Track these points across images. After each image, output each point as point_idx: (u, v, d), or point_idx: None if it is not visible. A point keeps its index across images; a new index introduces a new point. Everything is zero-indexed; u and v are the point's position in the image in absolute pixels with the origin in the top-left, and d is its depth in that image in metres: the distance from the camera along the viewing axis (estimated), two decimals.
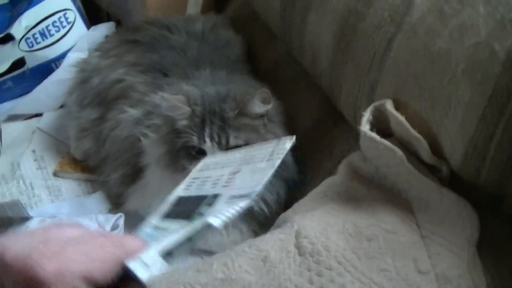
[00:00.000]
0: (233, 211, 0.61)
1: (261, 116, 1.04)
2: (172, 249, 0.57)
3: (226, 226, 1.07)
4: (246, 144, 1.02)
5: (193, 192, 0.71)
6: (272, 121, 1.08)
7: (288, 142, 0.67)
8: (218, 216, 0.60)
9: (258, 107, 1.02)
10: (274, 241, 0.71)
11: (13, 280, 0.44)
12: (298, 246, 0.69)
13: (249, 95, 1.01)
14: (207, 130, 1.01)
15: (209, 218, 0.61)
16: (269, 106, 1.03)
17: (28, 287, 0.44)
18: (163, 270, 0.57)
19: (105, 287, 0.50)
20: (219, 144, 1.01)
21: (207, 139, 1.00)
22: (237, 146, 1.01)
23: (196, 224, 0.60)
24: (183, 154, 1.04)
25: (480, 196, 0.70)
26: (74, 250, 0.48)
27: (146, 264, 0.55)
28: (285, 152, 0.66)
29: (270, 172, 0.64)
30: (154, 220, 0.69)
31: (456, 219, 0.67)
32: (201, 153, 1.02)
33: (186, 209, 0.66)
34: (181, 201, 0.70)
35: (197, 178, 0.75)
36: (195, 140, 1.01)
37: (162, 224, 0.65)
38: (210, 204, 0.64)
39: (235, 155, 0.77)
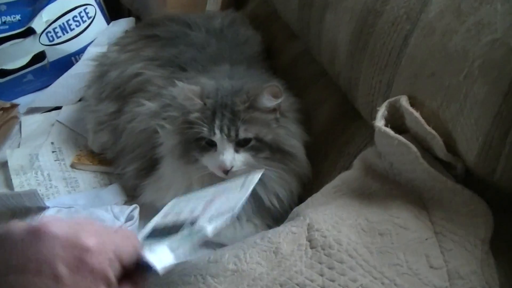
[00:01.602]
0: (221, 221, 0.62)
1: (273, 110, 1.04)
2: (179, 246, 0.59)
3: (240, 219, 1.09)
4: (256, 137, 1.03)
5: (169, 220, 0.72)
6: (285, 116, 1.08)
7: (257, 175, 0.69)
8: (210, 223, 0.62)
9: (268, 101, 1.02)
10: (286, 234, 0.71)
11: (60, 247, 0.50)
12: (310, 239, 0.69)
13: (260, 89, 1.01)
14: (217, 122, 1.01)
15: (202, 221, 0.64)
16: (279, 100, 1.03)
17: (73, 254, 0.49)
18: (172, 263, 0.60)
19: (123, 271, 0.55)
20: (228, 136, 1.01)
21: (217, 131, 1.01)
22: (246, 139, 1.03)
23: (190, 229, 0.62)
24: (195, 146, 1.06)
25: (495, 194, 0.70)
26: (107, 234, 0.54)
27: (160, 256, 0.58)
28: (256, 181, 0.68)
29: (246, 194, 0.66)
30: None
31: (470, 217, 0.68)
32: (212, 145, 1.04)
33: (167, 232, 0.67)
34: (160, 227, 0.71)
35: (171, 212, 0.76)
36: (205, 131, 1.02)
37: (144, 243, 0.66)
38: (191, 225, 0.65)
39: (208, 190, 0.78)
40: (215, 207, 0.69)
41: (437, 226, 0.70)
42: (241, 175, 0.78)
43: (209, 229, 0.60)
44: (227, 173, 1.02)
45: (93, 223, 0.56)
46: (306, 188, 1.10)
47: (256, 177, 0.69)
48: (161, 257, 0.59)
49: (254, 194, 1.10)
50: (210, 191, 0.78)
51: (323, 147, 1.11)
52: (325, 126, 1.14)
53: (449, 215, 0.70)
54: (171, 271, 0.69)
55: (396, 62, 0.83)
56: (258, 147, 1.04)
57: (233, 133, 1.01)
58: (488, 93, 0.65)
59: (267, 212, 1.12)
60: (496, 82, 0.64)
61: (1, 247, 0.52)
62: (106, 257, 0.52)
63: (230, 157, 1.02)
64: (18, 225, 0.53)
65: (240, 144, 1.03)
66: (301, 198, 1.05)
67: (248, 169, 1.03)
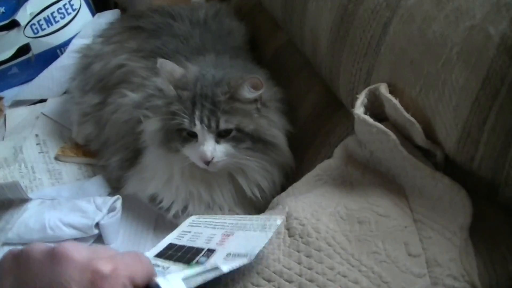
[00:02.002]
0: (236, 264, 0.62)
1: (254, 101, 1.04)
2: (192, 281, 0.59)
3: (222, 209, 1.09)
4: (237, 128, 1.03)
5: (186, 242, 0.72)
6: (267, 106, 1.07)
7: (279, 220, 0.68)
8: (225, 262, 0.62)
9: (248, 93, 1.01)
10: None
11: (77, 271, 0.52)
12: (288, 228, 0.69)
13: (240, 80, 1.01)
14: (197, 113, 1.01)
15: (218, 258, 0.64)
16: (260, 92, 1.02)
17: (88, 278, 0.51)
18: None
19: None
20: (208, 127, 1.01)
21: (197, 122, 1.01)
22: (227, 130, 1.02)
23: (205, 266, 0.61)
24: (176, 136, 1.05)
25: (475, 183, 0.69)
26: (121, 259, 0.55)
27: (172, 284, 0.58)
28: (276, 227, 0.68)
29: (265, 240, 0.65)
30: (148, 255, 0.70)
31: (449, 204, 0.67)
32: (193, 136, 1.03)
33: (182, 255, 0.68)
34: (174, 247, 0.71)
35: (189, 232, 0.76)
36: (186, 122, 1.02)
37: (157, 262, 0.66)
38: (208, 257, 0.65)
39: (226, 220, 0.78)
40: (233, 243, 0.68)
41: (416, 213, 0.70)
42: (263, 216, 0.77)
43: (225, 269, 0.60)
44: (208, 164, 1.01)
45: (109, 249, 0.59)
46: (289, 178, 1.09)
47: (277, 223, 0.69)
48: (173, 285, 0.59)
49: (235, 185, 1.11)
50: (228, 222, 0.77)
51: (306, 137, 1.11)
52: (309, 116, 1.14)
53: (429, 203, 0.70)
54: None
55: (376, 50, 0.83)
56: (239, 138, 1.03)
57: (213, 124, 1.00)
58: (466, 79, 0.65)
59: (249, 203, 1.11)
60: (474, 68, 0.64)
61: (21, 266, 0.54)
62: (120, 282, 0.53)
63: (211, 148, 1.01)
64: (39, 247, 0.55)
65: (221, 135, 1.02)
66: (283, 188, 1.05)
67: (229, 159, 1.03)
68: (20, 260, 0.54)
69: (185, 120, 1.01)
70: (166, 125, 1.06)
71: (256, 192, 1.08)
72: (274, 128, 1.07)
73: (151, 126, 1.09)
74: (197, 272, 0.60)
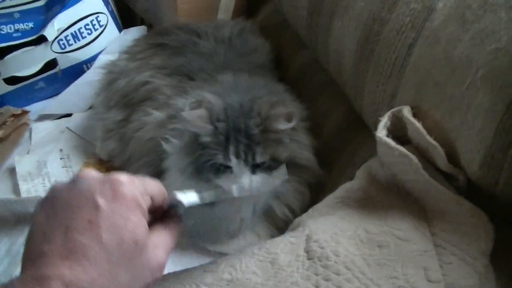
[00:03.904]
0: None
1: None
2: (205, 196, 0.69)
3: (242, 230, 1.08)
4: (272, 158, 1.01)
5: None
6: (295, 129, 1.06)
7: None
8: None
9: (282, 125, 1.01)
10: (285, 244, 0.70)
11: (97, 183, 0.58)
12: (308, 250, 0.68)
13: (274, 112, 1.00)
14: (232, 148, 0.99)
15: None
16: (293, 124, 1.02)
17: (108, 187, 0.57)
18: (197, 202, 0.68)
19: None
20: (245, 161, 0.99)
21: (232, 157, 0.99)
22: (263, 162, 1.01)
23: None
24: (209, 168, 1.03)
25: (498, 206, 0.68)
26: (136, 177, 0.61)
27: (187, 196, 0.66)
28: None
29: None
30: None
31: (470, 229, 0.66)
32: (227, 167, 1.01)
33: None
34: None
35: None
36: (220, 158, 1.00)
37: None
38: None
39: None
40: None
41: (437, 238, 0.68)
42: None
43: (234, 189, 0.70)
44: None
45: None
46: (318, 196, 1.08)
47: None
48: (188, 196, 0.66)
49: (265, 206, 1.10)
50: None
51: (329, 157, 1.10)
52: (332, 136, 1.13)
53: (450, 227, 0.68)
54: (164, 279, 0.69)
55: (401, 71, 0.82)
56: (274, 166, 1.02)
57: (250, 158, 0.99)
58: (491, 103, 0.63)
59: (274, 222, 1.10)
60: (499, 91, 0.63)
61: (51, 206, 0.58)
62: (137, 188, 0.59)
63: (248, 180, 1.00)
64: (60, 183, 0.60)
65: (256, 166, 1.01)
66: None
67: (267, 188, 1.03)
68: (48, 195, 0.60)
69: (219, 155, 1.00)
70: (195, 158, 1.04)
71: (287, 212, 1.08)
72: (305, 150, 1.06)
73: (179, 160, 1.08)
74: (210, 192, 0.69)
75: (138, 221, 0.58)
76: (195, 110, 1.04)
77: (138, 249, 0.57)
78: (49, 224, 0.56)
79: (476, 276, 0.62)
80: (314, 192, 1.10)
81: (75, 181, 0.59)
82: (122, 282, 0.55)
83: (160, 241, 0.61)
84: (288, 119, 1.01)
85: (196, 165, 1.05)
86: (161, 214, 0.64)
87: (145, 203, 0.59)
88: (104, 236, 0.54)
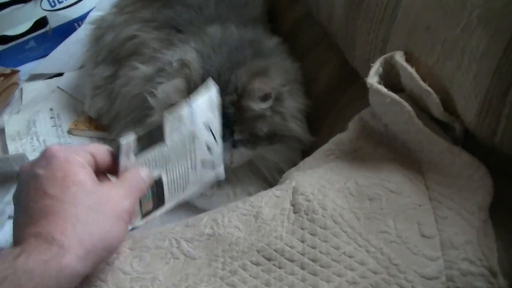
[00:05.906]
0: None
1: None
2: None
3: (234, 187, 1.05)
4: (252, 134, 0.99)
5: None
6: (280, 99, 1.02)
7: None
8: None
9: (256, 105, 0.97)
10: (270, 198, 0.67)
11: (39, 159, 0.64)
12: (294, 204, 0.65)
13: (250, 88, 0.96)
14: None
15: None
16: (269, 104, 0.98)
17: (44, 159, 0.63)
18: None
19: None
20: (223, 137, 0.96)
21: None
22: (243, 139, 0.99)
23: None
24: None
25: (497, 160, 0.64)
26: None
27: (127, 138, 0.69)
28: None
29: None
30: None
31: (468, 182, 0.62)
32: None
33: None
34: None
35: None
36: None
37: None
38: None
39: None
40: None
41: (432, 191, 0.65)
42: None
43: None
44: None
45: None
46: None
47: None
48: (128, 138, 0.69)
49: (255, 170, 1.08)
50: None
51: (321, 111, 1.06)
52: (325, 89, 1.09)
53: (446, 180, 0.65)
54: (146, 235, 0.66)
55: (392, 16, 0.77)
56: (255, 140, 1.00)
57: (228, 135, 0.97)
58: (488, 45, 0.59)
59: (265, 181, 1.07)
60: (496, 33, 0.58)
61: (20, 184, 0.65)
62: (68, 150, 0.65)
63: (228, 155, 0.98)
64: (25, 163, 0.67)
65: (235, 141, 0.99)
66: None
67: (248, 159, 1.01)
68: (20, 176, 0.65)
69: None
70: None
71: (276, 175, 1.05)
72: (290, 121, 1.02)
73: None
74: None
75: (76, 169, 0.63)
76: (172, 81, 1.01)
77: (87, 189, 0.62)
78: (19, 201, 0.64)
79: (474, 231, 0.58)
80: (307, 154, 1.06)
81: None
82: (89, 223, 0.60)
83: (114, 187, 0.65)
84: (264, 98, 0.97)
85: None
86: (115, 169, 0.69)
87: (83, 158, 0.64)
88: (49, 191, 0.60)
